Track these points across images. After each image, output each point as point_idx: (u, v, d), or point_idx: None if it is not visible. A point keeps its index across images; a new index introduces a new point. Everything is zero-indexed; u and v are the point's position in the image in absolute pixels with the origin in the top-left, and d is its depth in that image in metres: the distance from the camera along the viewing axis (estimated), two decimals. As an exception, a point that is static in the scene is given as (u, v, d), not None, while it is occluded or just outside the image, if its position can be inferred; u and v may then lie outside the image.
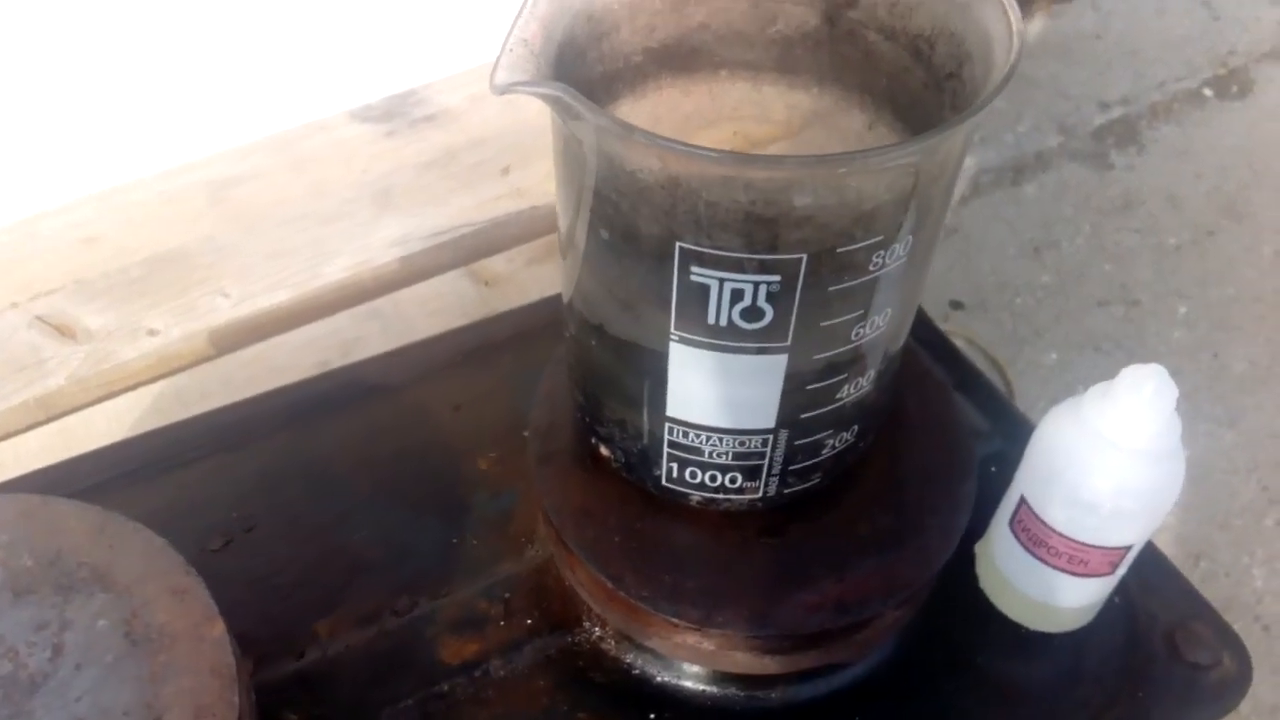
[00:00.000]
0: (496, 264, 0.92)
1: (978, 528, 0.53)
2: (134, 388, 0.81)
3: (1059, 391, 1.46)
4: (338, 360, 0.85)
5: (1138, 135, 1.79)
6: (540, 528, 0.54)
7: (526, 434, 0.53)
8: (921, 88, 0.41)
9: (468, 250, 0.90)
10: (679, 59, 0.45)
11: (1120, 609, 0.53)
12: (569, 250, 0.42)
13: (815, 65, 0.45)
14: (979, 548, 0.54)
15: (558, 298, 0.46)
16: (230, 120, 0.96)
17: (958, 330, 1.51)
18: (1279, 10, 1.97)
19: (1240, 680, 0.50)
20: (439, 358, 0.64)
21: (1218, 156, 1.76)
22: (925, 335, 0.63)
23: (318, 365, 0.84)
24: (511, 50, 0.35)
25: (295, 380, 0.76)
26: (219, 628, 0.45)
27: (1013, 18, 0.36)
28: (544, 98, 0.35)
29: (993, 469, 0.59)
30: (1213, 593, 1.32)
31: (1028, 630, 0.52)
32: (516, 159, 0.96)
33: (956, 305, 1.56)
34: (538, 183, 0.93)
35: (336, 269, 0.87)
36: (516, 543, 0.55)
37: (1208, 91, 1.86)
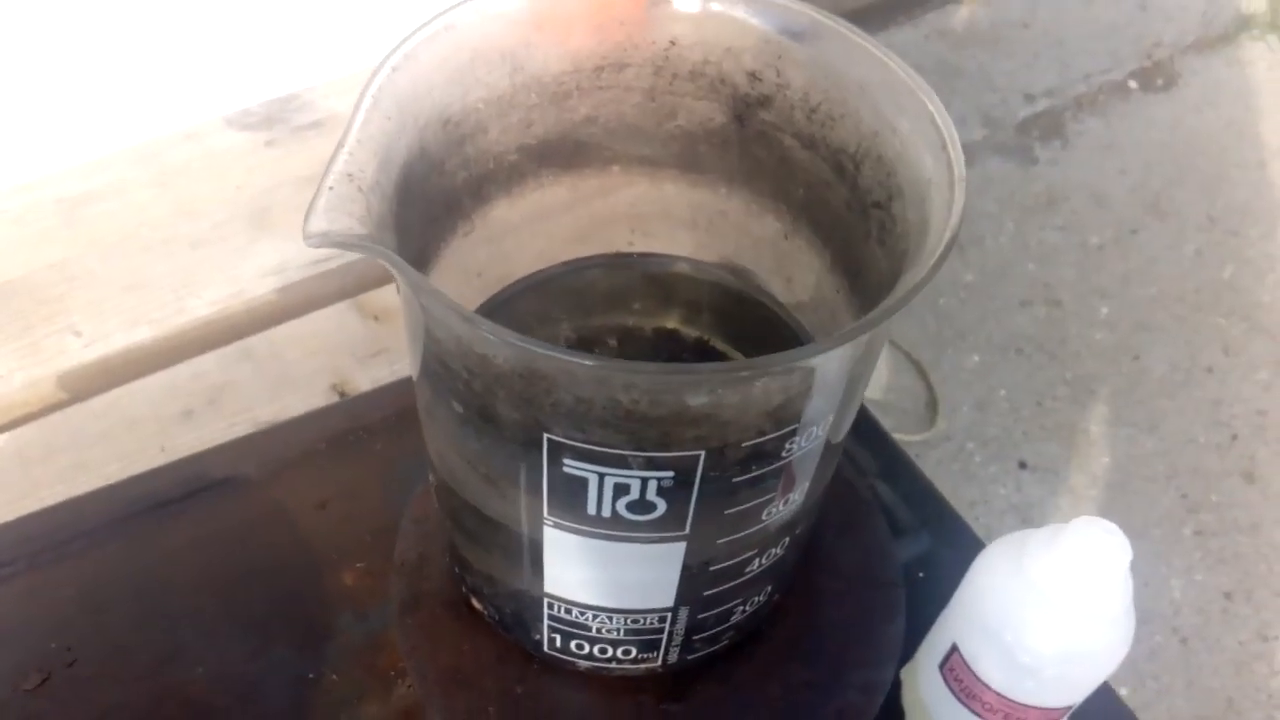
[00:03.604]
0: (388, 296, 0.84)
1: (906, 648, 0.48)
2: (-33, 444, 0.72)
3: (981, 395, 1.44)
4: (202, 409, 0.77)
5: (1062, 128, 1.76)
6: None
7: (394, 558, 0.46)
8: (844, 208, 0.35)
9: (355, 280, 0.82)
10: (563, 155, 0.38)
11: (1055, 746, 0.48)
12: (420, 399, 0.35)
13: (723, 165, 0.38)
14: (905, 674, 0.49)
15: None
16: (85, 128, 0.86)
17: (881, 335, 1.47)
18: (1204, 0, 1.95)
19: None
20: (302, 443, 0.56)
21: (1142, 152, 1.74)
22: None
23: (181, 415, 0.75)
24: (332, 188, 0.27)
25: (152, 435, 0.69)
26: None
27: (955, 160, 0.29)
28: (370, 257, 0.27)
29: (920, 574, 0.53)
30: (1132, 606, 1.32)
31: (955, 771, 0.47)
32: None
33: (880, 307, 1.51)
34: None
35: (203, 302, 0.78)
36: (384, 678, 0.48)
37: (1133, 84, 1.83)
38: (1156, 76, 1.85)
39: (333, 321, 0.83)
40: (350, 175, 0.28)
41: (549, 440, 0.28)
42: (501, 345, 0.26)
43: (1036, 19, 1.86)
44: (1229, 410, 1.45)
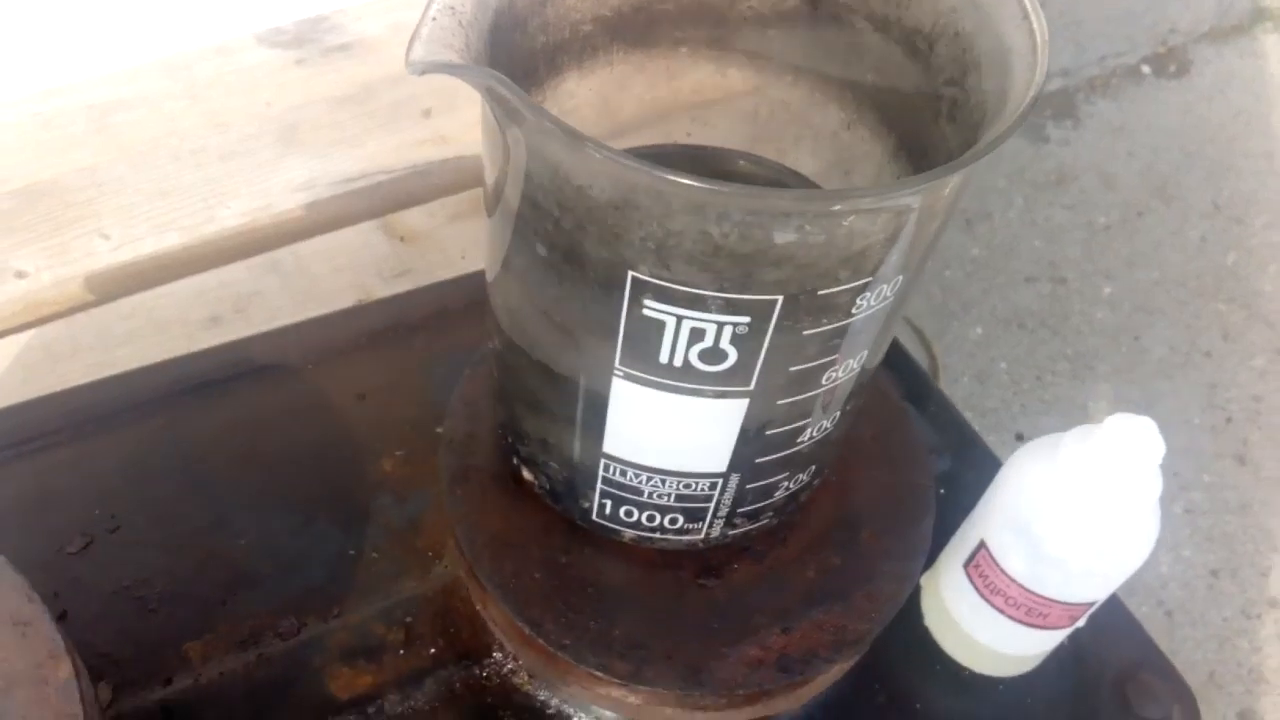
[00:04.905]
0: (414, 217, 0.84)
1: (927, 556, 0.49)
2: (-1, 337, 0.72)
3: (982, 367, 1.45)
4: (230, 316, 0.77)
5: (1074, 109, 1.77)
6: (451, 547, 0.48)
7: (440, 431, 0.47)
8: (913, 91, 0.36)
9: (382, 200, 0.83)
10: (635, 31, 0.38)
11: (1070, 654, 0.49)
12: (494, 250, 0.35)
13: (791, 51, 0.39)
14: (925, 580, 0.51)
15: (483, 274, 0.39)
16: (119, 37, 0.86)
17: (887, 301, 1.48)
18: (1221, -11, 1.96)
19: (1188, 735, 0.47)
20: (343, 337, 0.57)
21: (1152, 136, 1.75)
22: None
23: (208, 320, 0.76)
24: (435, 19, 0.28)
25: (179, 339, 0.69)
26: (65, 668, 0.38)
27: (1037, 28, 0.30)
28: (473, 84, 0.28)
29: (942, 490, 0.55)
30: (1120, 579, 1.34)
31: (972, 673, 0.49)
32: (441, 101, 0.87)
33: (887, 274, 1.53)
34: (464, 129, 0.85)
35: (233, 213, 0.78)
36: (423, 558, 0.49)
37: (1146, 69, 1.84)
38: (1170, 63, 1.86)
39: (360, 239, 0.83)
40: (452, 8, 0.29)
41: (633, 279, 0.29)
42: (605, 166, 0.27)
43: (1053, 0, 1.87)
44: (1224, 394, 1.47)
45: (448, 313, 0.58)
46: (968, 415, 1.60)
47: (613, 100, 0.41)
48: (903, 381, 0.58)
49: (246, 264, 0.79)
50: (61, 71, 0.84)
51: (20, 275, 0.73)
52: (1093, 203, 1.66)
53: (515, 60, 0.35)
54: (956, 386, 1.46)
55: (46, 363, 0.73)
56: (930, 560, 0.50)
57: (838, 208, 0.27)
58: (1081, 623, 0.45)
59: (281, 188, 0.80)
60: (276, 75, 0.88)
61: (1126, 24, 1.89)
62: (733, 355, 0.31)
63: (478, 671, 0.46)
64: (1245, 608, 1.30)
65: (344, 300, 0.76)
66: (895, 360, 0.59)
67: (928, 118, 0.35)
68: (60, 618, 0.46)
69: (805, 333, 0.31)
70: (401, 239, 0.85)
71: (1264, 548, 1.36)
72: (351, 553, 0.49)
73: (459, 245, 0.84)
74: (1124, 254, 1.61)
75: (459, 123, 0.85)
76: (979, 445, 0.57)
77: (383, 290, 0.78)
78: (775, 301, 0.30)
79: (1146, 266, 1.60)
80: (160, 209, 0.78)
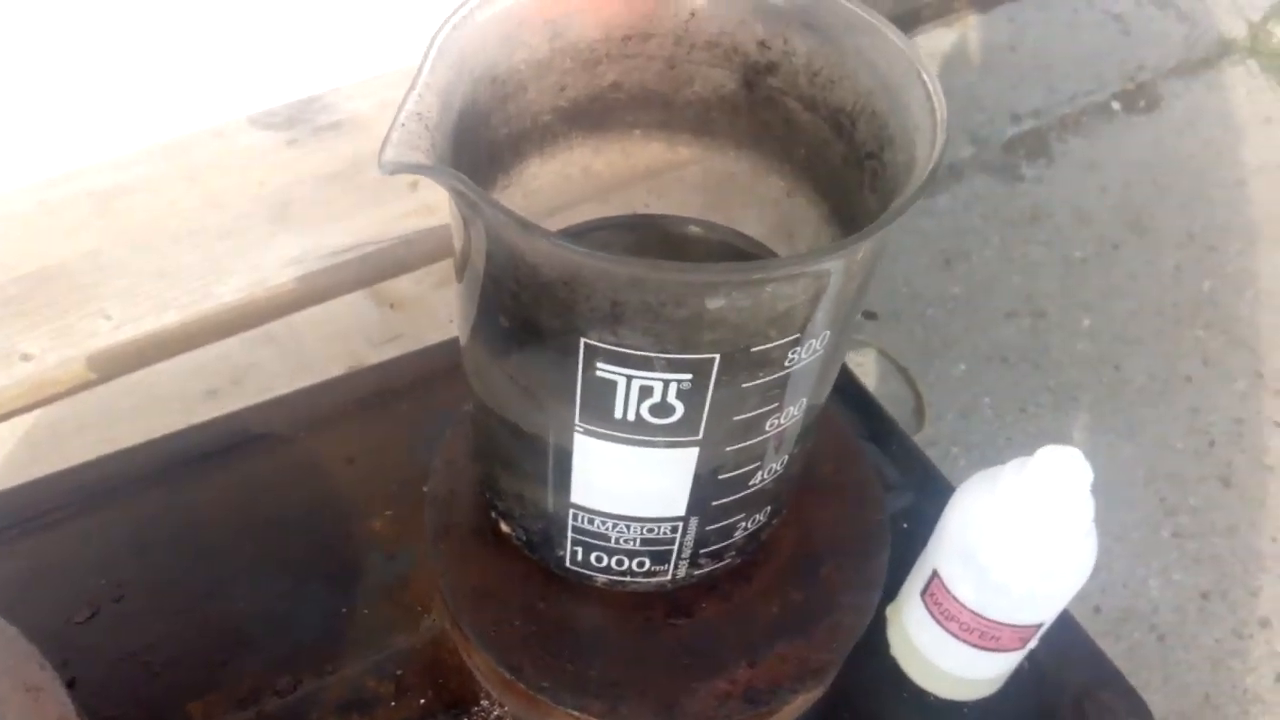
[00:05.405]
0: (402, 285, 0.88)
1: (889, 589, 0.52)
2: (6, 417, 0.75)
3: (967, 403, 1.48)
4: (227, 388, 0.80)
5: (1048, 148, 1.81)
6: (438, 600, 0.51)
7: (425, 489, 0.50)
8: (841, 163, 0.39)
9: (371, 270, 0.86)
10: (591, 118, 0.42)
11: (1029, 675, 0.52)
12: (463, 322, 0.39)
13: (733, 130, 0.42)
14: (890, 611, 0.53)
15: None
16: (118, 125, 0.90)
17: (870, 342, 1.52)
18: (1186, 26, 2.02)
19: (1146, 750, 0.50)
20: (331, 404, 0.60)
21: (1124, 171, 1.79)
22: (836, 380, 0.62)
23: (206, 394, 0.79)
24: (403, 125, 0.32)
25: (179, 413, 0.72)
26: (77, 729, 0.41)
27: (937, 107, 0.34)
28: (438, 182, 0.32)
29: (904, 525, 0.58)
30: (1111, 603, 1.35)
31: (937, 699, 0.51)
32: (425, 173, 0.91)
33: (870, 316, 1.56)
34: (448, 199, 0.89)
35: (229, 289, 0.82)
36: (411, 612, 0.52)
37: (1116, 105, 1.89)
38: (1139, 99, 1.91)
39: (350, 308, 0.87)
40: (419, 114, 0.32)
41: (585, 344, 0.33)
42: (552, 250, 0.30)
43: (1023, 42, 1.93)
44: (1207, 418, 1.50)
45: (431, 376, 0.62)
46: (954, 450, 1.62)
47: (574, 179, 0.44)
48: (863, 420, 0.61)
49: (242, 338, 0.82)
50: (65, 159, 0.88)
51: (26, 358, 0.76)
52: (1068, 238, 1.70)
53: (481, 150, 0.39)
54: (942, 423, 1.48)
55: (52, 440, 0.76)
56: (893, 592, 0.53)
57: (757, 277, 0.30)
58: (1034, 644, 0.48)
59: (275, 262, 0.84)
60: (269, 155, 0.92)
61: (1095, 63, 1.94)
62: (680, 408, 0.35)
63: None
64: (1237, 628, 1.32)
65: (337, 367, 0.79)
66: (853, 399, 0.62)
67: (854, 187, 0.39)
68: (70, 684, 0.49)
69: (744, 385, 0.34)
70: (391, 306, 0.89)
71: (1253, 568, 1.37)
72: (344, 610, 0.52)
73: (446, 309, 0.87)
74: (1101, 286, 1.64)
75: (444, 194, 0.88)
76: (939, 480, 0.60)
77: (374, 356, 0.81)
78: (713, 359, 0.33)
79: (1124, 297, 1.63)
80: (160, 288, 0.81)
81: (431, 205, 0.89)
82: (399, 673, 0.49)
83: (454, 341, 0.66)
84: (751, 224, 0.46)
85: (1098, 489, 0.43)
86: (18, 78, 0.84)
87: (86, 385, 0.77)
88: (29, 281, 0.80)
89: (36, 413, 0.76)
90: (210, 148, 0.92)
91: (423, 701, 0.48)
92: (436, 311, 0.87)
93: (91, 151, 0.89)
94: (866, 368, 1.50)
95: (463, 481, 0.49)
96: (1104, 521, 0.44)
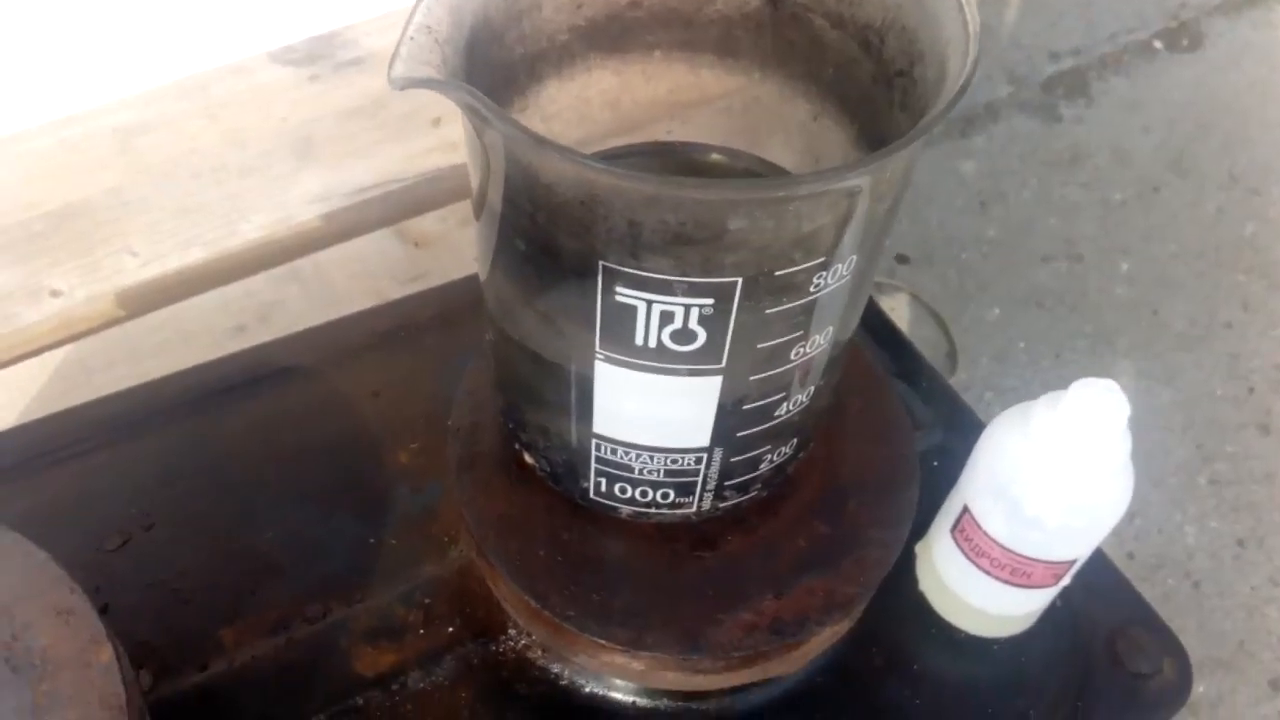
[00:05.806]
0: (427, 223, 0.87)
1: (918, 527, 0.52)
2: (36, 353, 0.76)
3: (1001, 347, 1.46)
4: (254, 325, 0.80)
5: (1087, 87, 1.77)
6: (463, 532, 0.51)
7: (449, 422, 0.49)
8: (870, 82, 0.38)
9: (396, 208, 0.86)
10: (609, 38, 0.41)
11: (1062, 613, 0.51)
12: (482, 249, 0.38)
13: (757, 50, 0.41)
14: (919, 548, 0.53)
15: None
16: (139, 62, 0.89)
17: (902, 286, 1.50)
18: (1232, -39, 1.95)
19: (1180, 688, 0.49)
20: (356, 338, 0.60)
21: (1165, 110, 1.75)
22: (867, 318, 0.60)
23: (233, 330, 0.79)
24: (412, 38, 0.31)
25: (206, 349, 0.72)
26: (107, 653, 0.41)
27: (970, 19, 0.32)
28: (449, 97, 0.31)
29: (935, 463, 0.57)
30: (1146, 549, 1.34)
31: (967, 635, 0.51)
32: (449, 110, 0.90)
33: (902, 259, 1.54)
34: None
35: (253, 226, 0.82)
36: (438, 543, 0.52)
37: (1158, 44, 1.84)
38: (1182, 37, 1.85)
39: (375, 246, 0.86)
40: (428, 27, 0.31)
41: (604, 268, 0.32)
42: (567, 166, 0.29)
43: (1063, -22, 1.87)
44: (1247, 364, 1.47)
45: (454, 311, 0.61)
46: (988, 395, 1.60)
47: (594, 104, 0.43)
48: (893, 358, 0.60)
49: (268, 275, 0.82)
50: (85, 97, 0.88)
51: (55, 294, 0.77)
52: (1108, 179, 1.66)
53: (495, 71, 0.38)
54: (975, 368, 1.47)
55: (82, 375, 0.77)
56: (922, 532, 0.52)
57: (781, 194, 0.29)
58: (1067, 581, 0.47)
59: (299, 200, 0.84)
60: (290, 91, 0.91)
61: (1136, 0, 1.89)
62: (702, 335, 0.34)
63: (494, 648, 0.49)
64: (1273, 575, 1.30)
65: (362, 305, 0.79)
66: (883, 336, 0.61)
67: (883, 107, 0.38)
68: (102, 610, 0.49)
69: (768, 311, 0.34)
70: (415, 244, 0.88)
71: (1290, 516, 1.35)
72: (371, 541, 0.52)
73: (470, 248, 0.86)
74: (1141, 229, 1.61)
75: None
76: (969, 416, 0.59)
77: (399, 294, 0.81)
78: (735, 283, 0.32)
79: (1164, 241, 1.60)
80: (184, 226, 0.81)
81: (454, 141, 0.88)
82: (427, 601, 0.49)
83: (473, 278, 0.66)
84: (777, 150, 0.44)
85: (1133, 434, 0.42)
86: (36, 16, 0.83)
87: (115, 321, 0.78)
88: (54, 219, 0.80)
89: (67, 348, 0.77)
90: (230, 84, 0.91)
91: (451, 630, 0.49)
92: (461, 250, 0.87)
93: (111, 89, 0.88)
94: (899, 312, 1.48)
95: (485, 414, 0.49)
96: (1140, 467, 0.43)
